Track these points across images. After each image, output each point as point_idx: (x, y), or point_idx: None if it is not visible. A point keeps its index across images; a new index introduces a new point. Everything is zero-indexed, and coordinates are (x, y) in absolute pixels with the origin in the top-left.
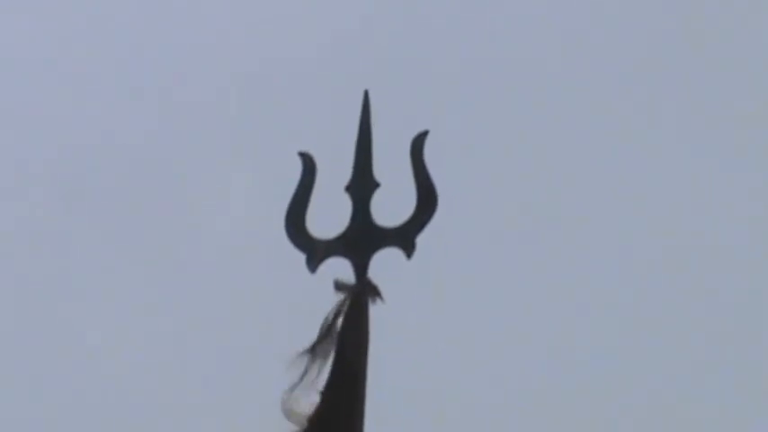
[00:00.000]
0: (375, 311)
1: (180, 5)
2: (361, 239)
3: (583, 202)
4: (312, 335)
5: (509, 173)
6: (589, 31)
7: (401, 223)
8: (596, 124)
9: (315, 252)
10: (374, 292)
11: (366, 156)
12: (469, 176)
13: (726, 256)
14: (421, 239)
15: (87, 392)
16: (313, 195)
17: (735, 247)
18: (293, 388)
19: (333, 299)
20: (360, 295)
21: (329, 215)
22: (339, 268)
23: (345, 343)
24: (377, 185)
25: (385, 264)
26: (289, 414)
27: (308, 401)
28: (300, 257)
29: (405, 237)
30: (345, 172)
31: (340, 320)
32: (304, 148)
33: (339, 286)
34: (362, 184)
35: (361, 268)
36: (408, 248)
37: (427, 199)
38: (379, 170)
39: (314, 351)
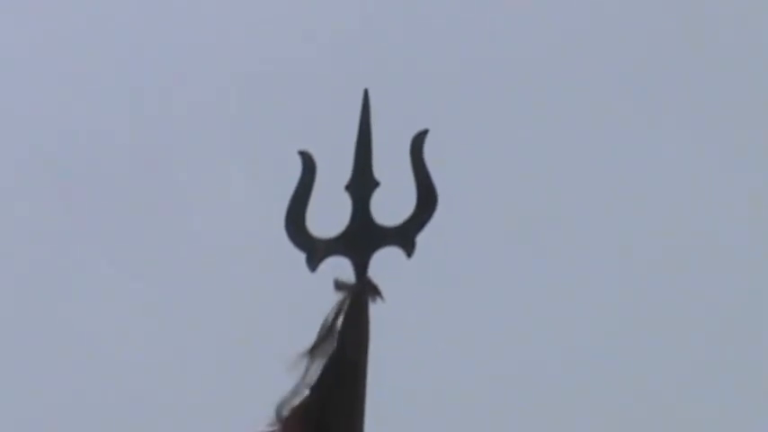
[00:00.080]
0: (375, 310)
1: (180, 5)
2: (361, 238)
3: (583, 201)
4: (312, 335)
5: (509, 172)
6: (589, 31)
7: (401, 222)
8: (596, 124)
9: (315, 251)
10: (374, 291)
11: (366, 155)
12: (469, 175)
13: (726, 256)
14: (421, 238)
15: (87, 392)
16: (313, 194)
17: (735, 247)
18: (294, 389)
19: (333, 298)
20: (360, 294)
21: (329, 214)
22: (339, 267)
23: (345, 342)
24: (377, 184)
25: (385, 263)
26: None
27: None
28: (300, 256)
29: (405, 236)
30: (345, 171)
31: (340, 320)
32: (304, 147)
33: (339, 285)
34: (362, 183)
35: (361, 267)
36: (408, 247)
37: (427, 198)
38: (379, 169)
39: (314, 352)
